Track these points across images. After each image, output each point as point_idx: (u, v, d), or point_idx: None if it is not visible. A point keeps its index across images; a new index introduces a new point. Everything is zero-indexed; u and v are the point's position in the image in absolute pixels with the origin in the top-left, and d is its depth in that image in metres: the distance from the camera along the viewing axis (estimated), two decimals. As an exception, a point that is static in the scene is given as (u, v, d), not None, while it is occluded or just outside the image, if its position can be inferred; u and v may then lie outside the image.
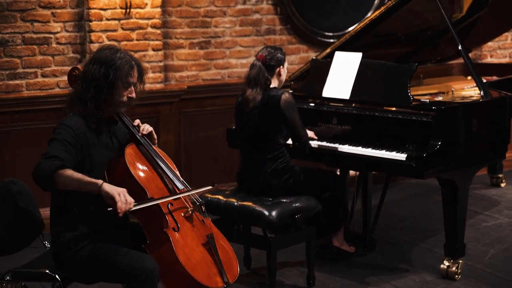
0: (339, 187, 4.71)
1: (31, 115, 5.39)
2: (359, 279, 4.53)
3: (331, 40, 6.47)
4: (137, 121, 3.51)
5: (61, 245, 3.28)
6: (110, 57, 3.31)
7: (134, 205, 3.11)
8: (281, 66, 4.40)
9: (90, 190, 3.09)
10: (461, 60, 6.31)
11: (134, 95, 3.38)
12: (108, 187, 3.05)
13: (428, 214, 5.83)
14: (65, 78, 5.45)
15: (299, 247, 4.57)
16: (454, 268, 4.43)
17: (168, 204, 3.32)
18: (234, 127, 4.92)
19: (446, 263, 4.46)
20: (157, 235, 3.24)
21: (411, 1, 4.86)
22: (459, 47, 4.66)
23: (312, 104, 4.82)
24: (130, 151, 3.38)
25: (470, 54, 6.41)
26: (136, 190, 3.24)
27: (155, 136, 3.55)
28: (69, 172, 3.07)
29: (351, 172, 5.28)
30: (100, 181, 3.07)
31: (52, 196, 3.33)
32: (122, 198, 3.03)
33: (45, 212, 5.12)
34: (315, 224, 4.42)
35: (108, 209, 3.05)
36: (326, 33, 6.52)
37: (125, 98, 3.35)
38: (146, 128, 3.50)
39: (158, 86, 5.78)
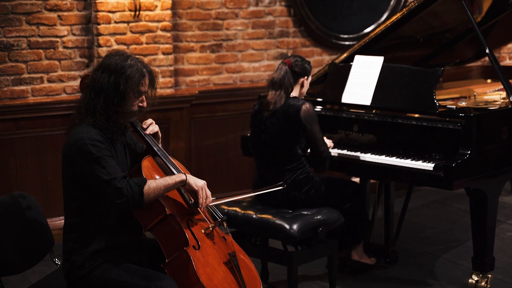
0: (360, 197, 4.50)
1: (37, 122, 5.18)
2: (382, 294, 4.34)
3: (346, 43, 6.29)
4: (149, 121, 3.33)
5: (74, 263, 3.08)
6: (121, 64, 3.09)
7: (212, 200, 3.20)
8: (306, 77, 4.22)
9: (176, 187, 3.13)
10: (479, 63, 6.15)
11: (145, 104, 3.18)
12: (192, 181, 3.12)
13: (449, 223, 5.63)
14: (72, 83, 5.28)
15: (318, 260, 4.37)
16: (483, 283, 4.22)
17: (187, 220, 3.12)
18: (249, 135, 4.74)
19: (475, 277, 4.25)
20: (177, 253, 3.05)
21: (435, 2, 4.65)
22: (487, 50, 4.45)
23: (324, 110, 4.61)
24: (146, 164, 3.18)
25: (486, 58, 6.24)
26: (154, 206, 3.05)
27: (160, 135, 3.35)
28: (151, 183, 3.00)
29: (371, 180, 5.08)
30: (183, 177, 3.09)
31: (66, 213, 3.13)
32: (204, 193, 3.12)
33: (54, 222, 4.97)
34: (337, 237, 4.21)
35: (190, 202, 3.13)
36: (341, 36, 6.33)
37: (135, 108, 3.15)
38: (151, 128, 3.30)
39: (168, 91, 5.57)
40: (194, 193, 3.12)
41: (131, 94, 3.09)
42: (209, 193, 3.15)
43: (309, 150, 4.29)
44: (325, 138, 4.34)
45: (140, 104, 3.16)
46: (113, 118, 3.10)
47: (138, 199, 2.95)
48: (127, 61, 3.10)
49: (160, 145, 3.31)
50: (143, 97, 3.16)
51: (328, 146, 4.31)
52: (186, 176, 3.10)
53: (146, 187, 2.96)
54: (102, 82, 3.07)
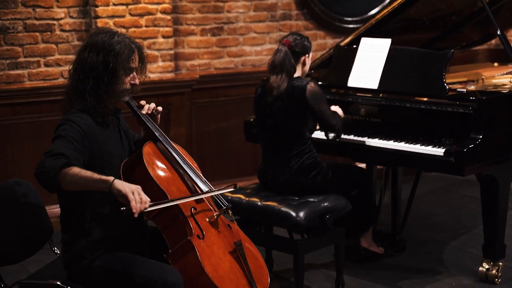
0: (367, 184, 4.38)
1: (34, 107, 5.05)
2: (390, 283, 4.21)
3: (350, 26, 6.16)
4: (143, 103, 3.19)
5: (73, 254, 2.96)
6: (108, 42, 2.95)
7: (150, 205, 2.74)
8: (307, 55, 4.07)
9: (100, 189, 2.73)
10: (485, 46, 6.01)
11: (137, 81, 3.04)
12: (119, 184, 2.68)
13: (456, 210, 5.52)
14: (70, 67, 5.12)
15: (324, 248, 4.24)
16: (494, 271, 4.11)
17: (191, 208, 2.99)
18: (252, 120, 4.62)
19: (485, 265, 4.14)
20: (180, 243, 2.92)
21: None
22: (498, 32, 4.32)
23: (329, 94, 4.46)
24: (148, 150, 3.05)
25: (493, 41, 6.12)
26: (156, 194, 2.92)
27: (158, 120, 3.21)
28: (76, 170, 2.70)
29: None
30: (111, 178, 2.70)
31: (60, 200, 2.99)
32: (137, 196, 2.67)
33: (52, 210, 4.84)
34: (344, 224, 4.09)
35: (121, 208, 2.68)
36: (345, 18, 6.19)
37: (127, 86, 3.01)
38: (148, 106, 3.16)
39: (169, 75, 5.44)
40: (124, 197, 2.66)
41: (121, 71, 2.96)
42: (145, 197, 2.69)
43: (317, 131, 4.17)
44: (333, 106, 4.20)
45: (132, 82, 3.03)
46: (104, 99, 2.97)
47: (53, 176, 2.68)
48: (114, 38, 2.97)
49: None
50: (134, 73, 3.03)
51: (340, 114, 4.19)
52: (114, 179, 2.70)
53: (67, 169, 2.70)
54: (91, 62, 2.93)
